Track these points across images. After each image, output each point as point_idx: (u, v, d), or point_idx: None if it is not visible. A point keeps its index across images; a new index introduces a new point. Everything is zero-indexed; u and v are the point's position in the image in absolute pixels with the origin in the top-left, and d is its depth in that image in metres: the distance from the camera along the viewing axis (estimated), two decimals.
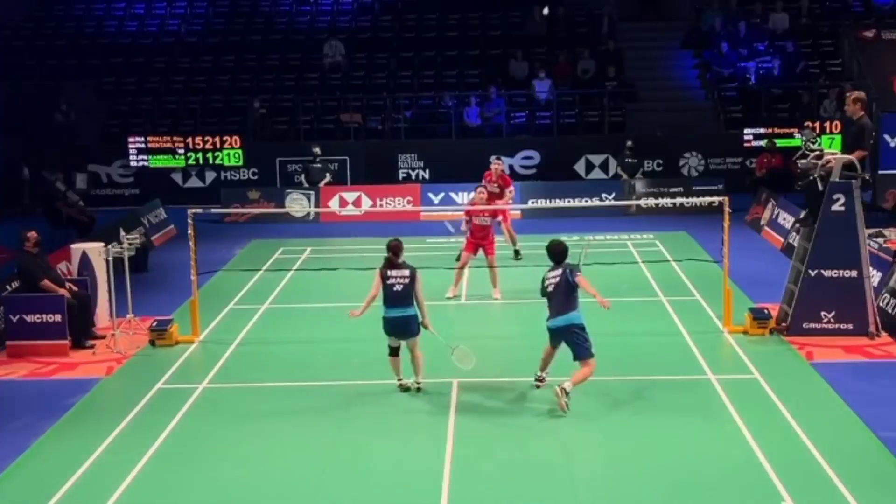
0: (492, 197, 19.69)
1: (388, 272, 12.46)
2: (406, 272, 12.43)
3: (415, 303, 12.50)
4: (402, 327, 12.53)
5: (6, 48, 32.91)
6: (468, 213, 18.49)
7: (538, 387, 12.85)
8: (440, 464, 10.71)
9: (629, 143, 28.25)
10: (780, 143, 27.91)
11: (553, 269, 12.41)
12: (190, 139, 28.98)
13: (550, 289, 12.30)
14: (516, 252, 20.77)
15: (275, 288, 19.00)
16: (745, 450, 10.91)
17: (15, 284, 15.88)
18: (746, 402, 12.38)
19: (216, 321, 16.81)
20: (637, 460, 10.78)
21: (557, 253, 12.48)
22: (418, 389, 12.88)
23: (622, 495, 10.02)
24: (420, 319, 12.62)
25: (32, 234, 15.67)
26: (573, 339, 12.26)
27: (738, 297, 16.29)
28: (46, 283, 15.36)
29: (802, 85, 30.75)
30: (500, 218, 19.73)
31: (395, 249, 12.58)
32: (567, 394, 11.99)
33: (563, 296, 12.21)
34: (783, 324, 15.32)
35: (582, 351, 12.26)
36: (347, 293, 18.17)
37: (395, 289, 12.38)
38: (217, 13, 35.22)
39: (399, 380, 12.97)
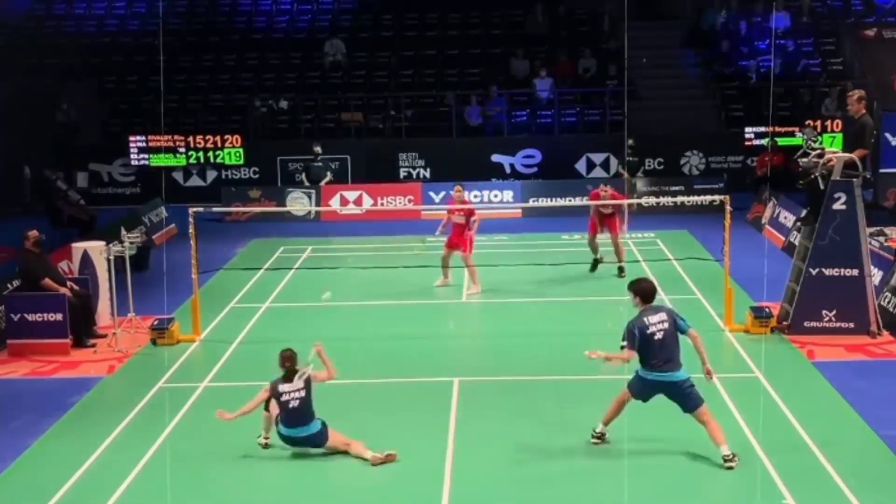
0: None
1: (281, 387, 10.93)
2: (300, 385, 10.90)
3: (315, 417, 10.99)
4: (308, 443, 10.97)
5: (7, 46, 32.85)
6: (449, 212, 18.69)
7: (595, 444, 11.16)
8: (441, 462, 10.71)
9: (630, 141, 28.21)
10: (781, 141, 27.86)
11: (652, 313, 10.71)
12: (191, 138, 28.98)
13: (659, 336, 10.56)
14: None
15: (276, 287, 18.99)
16: (747, 449, 10.90)
17: (16, 283, 15.87)
18: (747, 401, 12.37)
19: (217, 320, 16.81)
20: (638, 458, 10.77)
21: (652, 293, 10.87)
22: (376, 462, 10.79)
23: (623, 494, 10.02)
24: (324, 429, 11.00)
25: (33, 233, 15.67)
26: (685, 392, 10.67)
27: (739, 296, 16.28)
28: (47, 281, 15.36)
29: (803, 83, 30.73)
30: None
31: (286, 360, 11.03)
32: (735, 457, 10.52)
33: (674, 344, 10.64)
34: (784, 322, 15.32)
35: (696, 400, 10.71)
36: (348, 292, 18.20)
37: (290, 406, 10.86)
38: (219, 12, 35.20)
39: (265, 437, 11.28)
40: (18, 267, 15.91)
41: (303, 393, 10.90)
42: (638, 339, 10.56)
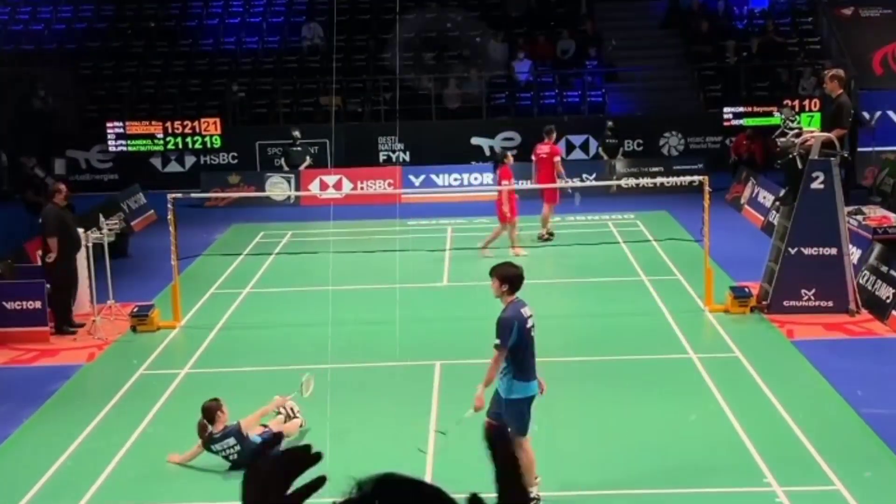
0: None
1: (214, 447, 10.45)
2: (231, 441, 10.39)
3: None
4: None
5: None
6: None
7: None
8: (423, 445, 10.73)
9: (610, 123, 28.21)
10: (755, 121, 27.75)
11: (523, 305, 9.22)
12: (169, 123, 28.82)
13: (534, 333, 9.23)
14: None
15: (256, 272, 18.95)
16: (727, 428, 10.96)
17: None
18: (728, 381, 12.44)
19: (197, 306, 16.76)
20: (620, 439, 10.81)
21: (521, 280, 9.26)
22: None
23: (605, 475, 10.05)
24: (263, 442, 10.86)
25: (62, 187, 15.58)
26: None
27: (718, 276, 16.33)
28: (51, 241, 15.10)
29: (781, 63, 30.78)
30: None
31: (208, 412, 10.39)
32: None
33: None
34: (764, 302, 15.39)
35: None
36: (328, 277, 18.16)
37: (231, 459, 10.41)
38: None
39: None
40: (41, 218, 15.69)
41: (237, 446, 10.39)
42: (517, 335, 8.82)
